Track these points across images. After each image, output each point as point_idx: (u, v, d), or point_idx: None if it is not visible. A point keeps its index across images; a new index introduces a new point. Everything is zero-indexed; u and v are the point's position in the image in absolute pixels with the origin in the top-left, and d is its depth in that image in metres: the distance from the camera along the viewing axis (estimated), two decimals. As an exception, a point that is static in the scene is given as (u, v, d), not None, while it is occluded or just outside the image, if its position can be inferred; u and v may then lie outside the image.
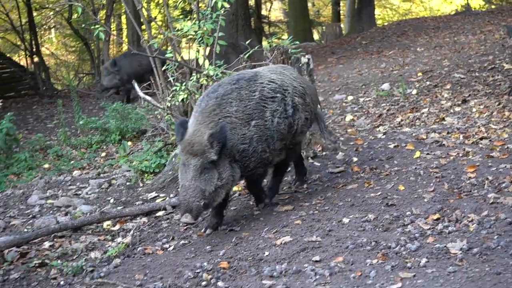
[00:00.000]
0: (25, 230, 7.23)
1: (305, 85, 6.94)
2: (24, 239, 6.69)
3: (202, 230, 6.55)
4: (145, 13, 12.14)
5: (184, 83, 7.95)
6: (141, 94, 8.80)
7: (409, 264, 5.12)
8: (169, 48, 8.49)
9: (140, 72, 15.36)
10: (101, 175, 8.85)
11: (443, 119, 9.24)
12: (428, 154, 7.67)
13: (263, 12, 30.72)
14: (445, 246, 5.29)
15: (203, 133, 6.12)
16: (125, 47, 25.56)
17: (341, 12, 31.50)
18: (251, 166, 6.41)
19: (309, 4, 32.52)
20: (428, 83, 11.93)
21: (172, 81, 8.30)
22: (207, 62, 7.93)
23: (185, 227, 6.72)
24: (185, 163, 6.14)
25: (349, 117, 10.28)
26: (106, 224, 7.08)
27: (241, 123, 6.32)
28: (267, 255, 5.72)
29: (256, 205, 6.88)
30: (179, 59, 8.30)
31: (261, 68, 7.11)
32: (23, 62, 24.13)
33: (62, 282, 5.93)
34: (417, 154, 7.67)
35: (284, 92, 6.62)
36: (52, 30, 29.10)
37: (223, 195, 6.28)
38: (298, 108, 6.69)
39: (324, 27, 29.88)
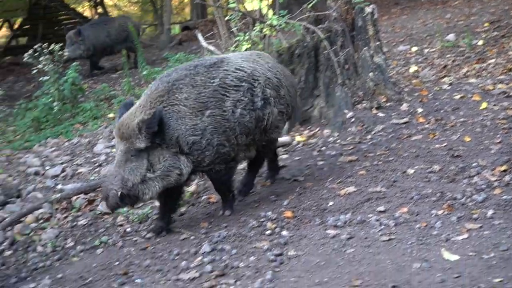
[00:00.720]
0: (92, 178, 7.38)
1: (281, 76, 6.19)
2: (91, 186, 6.84)
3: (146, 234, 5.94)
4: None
5: (247, 33, 7.92)
6: (204, 44, 8.81)
7: (475, 216, 5.07)
8: (233, -2, 8.45)
9: (107, 43, 14.87)
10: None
11: (511, 69, 9.03)
12: (495, 105, 7.52)
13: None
14: (512, 198, 5.23)
15: (136, 118, 5.54)
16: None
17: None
18: (207, 160, 5.71)
19: (372, -46, 31.82)
20: (495, 33, 11.65)
21: (235, 31, 8.28)
22: (270, 12, 7.89)
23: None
24: (115, 147, 5.71)
25: (413, 68, 10.12)
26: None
27: (192, 112, 5.63)
28: (331, 205, 5.73)
29: (222, 211, 6.05)
30: (242, 9, 8.27)
31: (234, 54, 6.48)
32: (86, 13, 24.38)
33: (128, 229, 6.06)
34: (484, 105, 7.53)
35: (253, 82, 5.91)
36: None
37: (157, 189, 5.60)
38: (270, 102, 5.97)
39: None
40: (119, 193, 5.47)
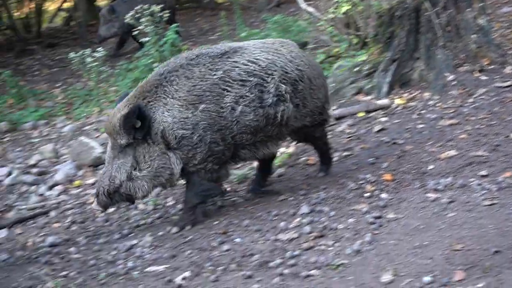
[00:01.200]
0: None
1: (304, 68, 5.70)
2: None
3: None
4: None
5: (347, -6, 7.84)
6: (303, 5, 8.77)
7: None
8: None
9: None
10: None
11: None
12: None
13: None
14: None
15: (119, 112, 5.38)
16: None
17: None
18: (198, 158, 5.40)
19: None
20: None
21: (334, -8, 8.21)
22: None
23: (348, 138, 6.75)
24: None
25: (518, 30, 9.81)
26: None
27: (182, 105, 5.35)
28: (431, 169, 5.66)
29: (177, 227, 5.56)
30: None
31: (254, 42, 5.97)
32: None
33: (228, 189, 6.13)
34: None
35: (266, 76, 5.49)
36: None
37: (146, 189, 5.43)
38: (285, 98, 5.54)
39: None
40: (105, 190, 5.39)
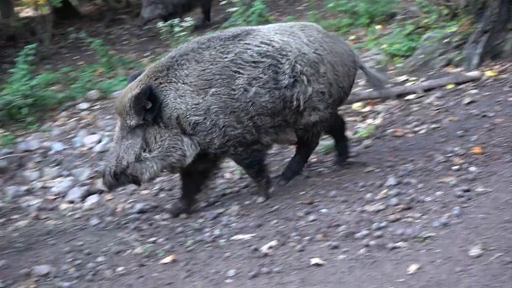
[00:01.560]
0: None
1: (325, 52, 5.50)
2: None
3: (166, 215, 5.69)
4: None
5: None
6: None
7: None
8: None
9: (187, 0, 13.20)
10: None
11: None
12: None
13: None
14: None
15: (130, 92, 5.33)
16: None
17: None
18: (216, 143, 5.35)
19: None
20: None
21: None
22: None
23: (437, 111, 6.64)
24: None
25: None
26: (356, 105, 7.17)
27: (193, 90, 5.28)
28: (523, 142, 5.54)
29: (257, 197, 5.64)
30: None
31: (270, 25, 5.86)
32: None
33: (314, 160, 6.14)
34: None
35: (280, 57, 5.35)
36: None
37: (155, 170, 5.38)
38: (302, 79, 5.37)
39: None
40: (111, 171, 5.35)
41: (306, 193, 5.49)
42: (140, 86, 5.28)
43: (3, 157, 7.23)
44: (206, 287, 4.38)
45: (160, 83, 5.31)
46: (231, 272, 4.46)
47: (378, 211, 4.91)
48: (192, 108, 5.26)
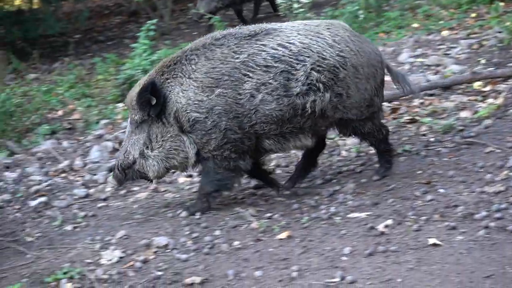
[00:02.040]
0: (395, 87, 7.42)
1: (347, 54, 5.21)
2: (395, 95, 6.86)
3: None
4: None
5: None
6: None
7: None
8: None
9: None
10: (471, 35, 8.66)
11: None
12: None
13: None
14: None
15: (138, 86, 5.33)
16: None
17: None
18: (212, 144, 5.17)
19: None
20: None
21: None
22: None
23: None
24: None
25: None
26: (476, 84, 6.99)
27: (198, 87, 5.13)
28: None
29: (186, 207, 5.49)
30: None
31: (296, 23, 5.60)
32: None
33: (432, 139, 6.04)
34: None
35: (297, 63, 5.09)
36: None
37: (157, 169, 5.32)
38: (318, 87, 5.11)
39: None
40: (120, 165, 5.36)
41: (424, 172, 5.43)
42: (146, 81, 5.27)
43: (122, 131, 7.43)
44: (321, 263, 4.39)
45: (167, 78, 5.23)
46: (347, 250, 4.46)
47: (498, 192, 4.81)
48: (194, 103, 5.12)
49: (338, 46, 5.20)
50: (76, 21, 14.83)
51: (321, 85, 5.10)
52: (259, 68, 5.08)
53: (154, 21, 9.29)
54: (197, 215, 5.31)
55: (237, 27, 5.42)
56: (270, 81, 5.07)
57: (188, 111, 5.13)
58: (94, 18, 16.26)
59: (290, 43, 5.15)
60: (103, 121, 7.96)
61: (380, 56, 5.47)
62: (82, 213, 5.73)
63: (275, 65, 5.08)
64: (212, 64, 5.13)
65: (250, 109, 5.09)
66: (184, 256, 4.74)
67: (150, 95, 5.11)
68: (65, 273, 4.57)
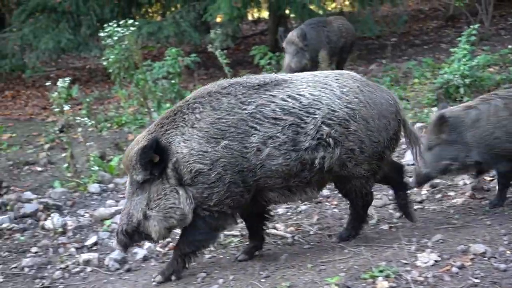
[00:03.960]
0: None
1: (359, 107, 4.95)
2: None
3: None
4: None
5: None
6: None
7: None
8: None
9: (328, 52, 10.69)
10: None
11: None
12: None
13: None
14: None
15: (137, 145, 4.89)
16: None
17: None
18: (214, 199, 4.81)
19: None
20: None
21: None
22: None
23: None
24: None
25: None
26: None
27: (203, 137, 4.77)
28: None
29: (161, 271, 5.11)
30: None
31: (305, 74, 5.23)
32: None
33: None
34: None
35: (306, 116, 4.83)
36: None
37: (161, 231, 4.90)
38: (328, 142, 4.84)
39: None
40: (123, 229, 4.94)
41: None
42: (146, 138, 4.91)
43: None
44: None
45: (166, 130, 4.90)
46: None
47: None
48: (198, 154, 4.78)
49: (346, 97, 4.97)
50: (393, 24, 15.03)
51: (331, 140, 4.87)
52: (266, 121, 4.83)
53: (476, 26, 9.15)
54: (173, 278, 5.03)
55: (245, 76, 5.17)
56: (278, 134, 4.82)
57: (190, 162, 4.80)
58: (410, 22, 16.37)
59: (300, 94, 4.93)
60: (418, 125, 7.97)
61: (394, 106, 5.15)
62: (398, 214, 5.78)
63: (284, 117, 4.84)
64: (218, 114, 4.84)
65: (255, 163, 4.82)
66: (502, 266, 4.60)
67: (154, 153, 4.79)
68: (381, 271, 4.62)
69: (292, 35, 10.38)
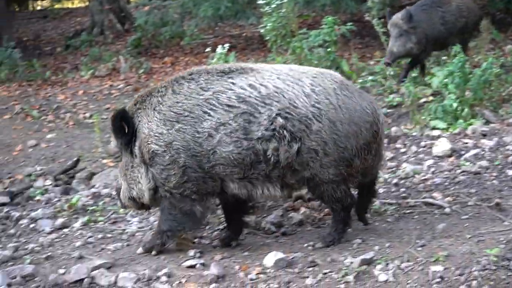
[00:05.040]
0: None
1: (327, 107, 4.89)
2: None
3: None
4: None
5: None
6: None
7: None
8: None
9: (442, 34, 9.55)
10: None
11: None
12: None
13: None
14: None
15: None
16: None
17: None
18: (172, 181, 5.03)
19: None
20: None
21: None
22: None
23: None
24: None
25: None
26: None
27: (159, 119, 5.04)
28: None
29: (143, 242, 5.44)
30: None
31: (282, 66, 5.29)
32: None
33: None
34: None
35: (261, 106, 4.86)
36: None
37: (124, 199, 5.37)
38: (284, 135, 4.81)
39: None
40: (122, 195, 5.41)
41: None
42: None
43: None
44: None
45: (138, 109, 5.21)
46: None
47: None
48: (155, 135, 5.04)
49: (316, 97, 4.92)
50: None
51: (286, 133, 4.83)
52: (221, 107, 4.94)
53: None
54: (153, 252, 5.23)
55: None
56: (231, 122, 4.91)
57: (149, 143, 5.07)
58: None
59: (261, 84, 4.97)
60: None
61: (371, 116, 5.01)
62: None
63: (238, 105, 4.92)
64: (177, 98, 5.06)
65: (207, 149, 4.95)
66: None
67: (121, 122, 5.17)
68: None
69: (397, 16, 9.53)
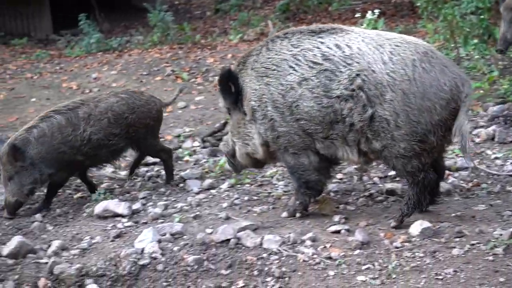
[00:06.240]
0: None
1: (401, 77, 4.83)
2: None
3: None
4: None
5: None
6: None
7: None
8: None
9: None
10: None
11: None
12: None
13: None
14: None
15: None
16: None
17: None
18: (269, 135, 5.38)
19: None
20: None
21: None
22: None
23: None
24: None
25: None
26: None
27: (255, 76, 5.34)
28: None
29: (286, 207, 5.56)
30: None
31: (372, 32, 5.33)
32: None
33: None
34: None
35: (343, 65, 4.99)
36: None
37: (240, 156, 5.64)
38: (361, 96, 4.89)
39: None
40: (226, 153, 5.80)
41: None
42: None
43: None
44: None
45: (241, 69, 5.41)
46: None
47: None
48: (251, 92, 5.28)
49: (392, 66, 4.87)
50: None
51: (363, 95, 4.88)
52: (306, 63, 5.09)
53: None
54: (297, 215, 5.35)
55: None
56: (312, 77, 5.05)
57: (248, 100, 5.31)
58: None
59: (347, 44, 5.04)
60: None
61: (449, 93, 4.81)
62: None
63: (321, 62, 5.04)
64: (269, 55, 5.27)
65: (290, 101, 5.12)
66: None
67: (227, 82, 5.37)
68: None
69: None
